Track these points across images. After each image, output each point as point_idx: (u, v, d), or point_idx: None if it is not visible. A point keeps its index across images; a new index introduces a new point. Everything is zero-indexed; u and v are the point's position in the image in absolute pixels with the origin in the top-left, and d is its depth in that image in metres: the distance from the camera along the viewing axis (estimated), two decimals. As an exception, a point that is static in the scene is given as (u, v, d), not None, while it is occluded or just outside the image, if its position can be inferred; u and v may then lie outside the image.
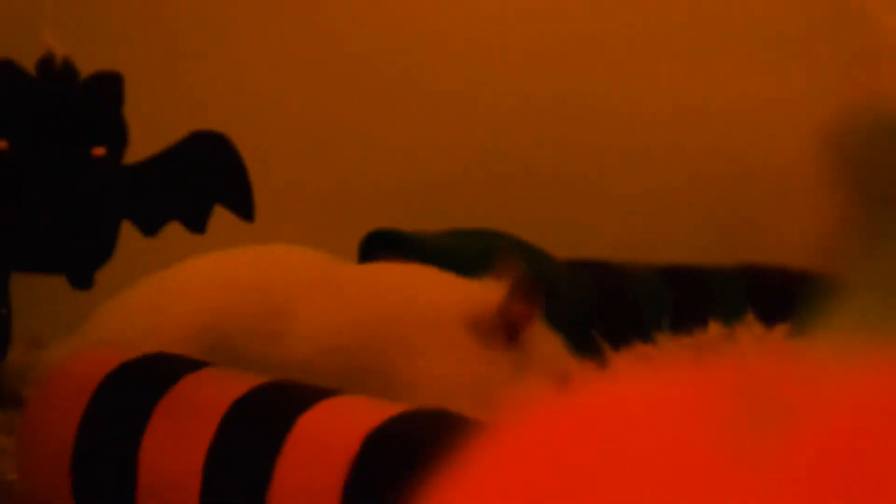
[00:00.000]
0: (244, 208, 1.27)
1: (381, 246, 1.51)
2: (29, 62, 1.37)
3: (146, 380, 1.07)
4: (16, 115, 1.32)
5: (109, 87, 1.35)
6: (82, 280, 1.31)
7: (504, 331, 1.15)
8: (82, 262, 1.32)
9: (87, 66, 1.39)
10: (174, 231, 1.33)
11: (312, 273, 1.17)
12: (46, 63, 1.35)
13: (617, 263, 1.62)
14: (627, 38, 1.76)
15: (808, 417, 0.37)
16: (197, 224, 1.26)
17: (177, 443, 1.03)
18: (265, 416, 1.03)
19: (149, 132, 1.37)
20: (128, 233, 1.36)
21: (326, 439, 0.99)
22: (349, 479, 0.95)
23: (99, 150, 1.31)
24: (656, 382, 0.40)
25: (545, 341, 1.18)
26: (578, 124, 1.78)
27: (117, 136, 1.33)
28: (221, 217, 1.33)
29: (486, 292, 1.18)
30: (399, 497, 0.83)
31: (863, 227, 0.47)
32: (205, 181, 1.26)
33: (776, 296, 1.61)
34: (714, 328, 1.61)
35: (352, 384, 1.08)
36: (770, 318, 1.61)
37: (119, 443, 1.05)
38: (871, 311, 0.43)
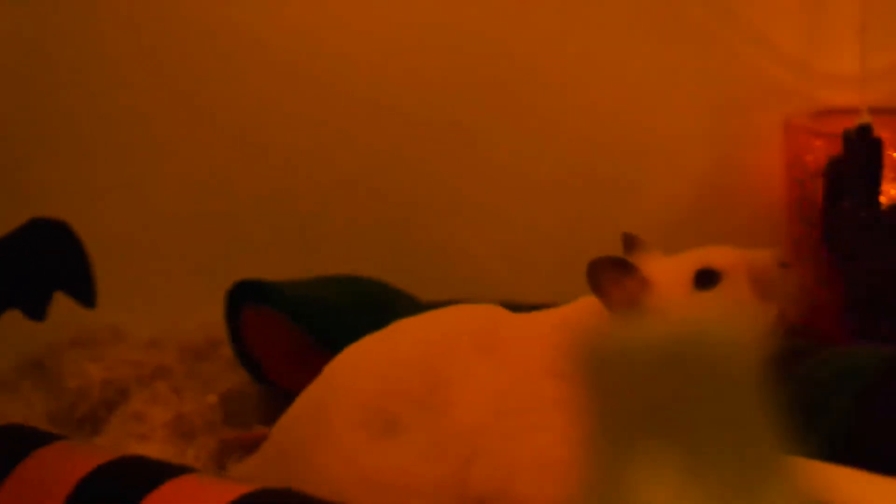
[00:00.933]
0: (85, 295, 1.27)
1: (246, 296, 1.52)
2: None
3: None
4: None
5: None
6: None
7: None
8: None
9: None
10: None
11: (471, 336, 1.12)
12: None
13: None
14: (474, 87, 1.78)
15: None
16: (36, 312, 1.25)
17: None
18: (110, 497, 1.04)
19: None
20: None
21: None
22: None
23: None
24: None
25: (668, 288, 1.12)
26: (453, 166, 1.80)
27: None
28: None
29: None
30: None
31: (598, 453, 0.50)
32: (44, 269, 1.25)
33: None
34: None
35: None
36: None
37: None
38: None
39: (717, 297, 1.12)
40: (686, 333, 0.57)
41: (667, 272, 1.11)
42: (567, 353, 0.99)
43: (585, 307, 1.11)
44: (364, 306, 1.50)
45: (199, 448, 1.45)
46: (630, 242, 1.16)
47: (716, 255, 1.13)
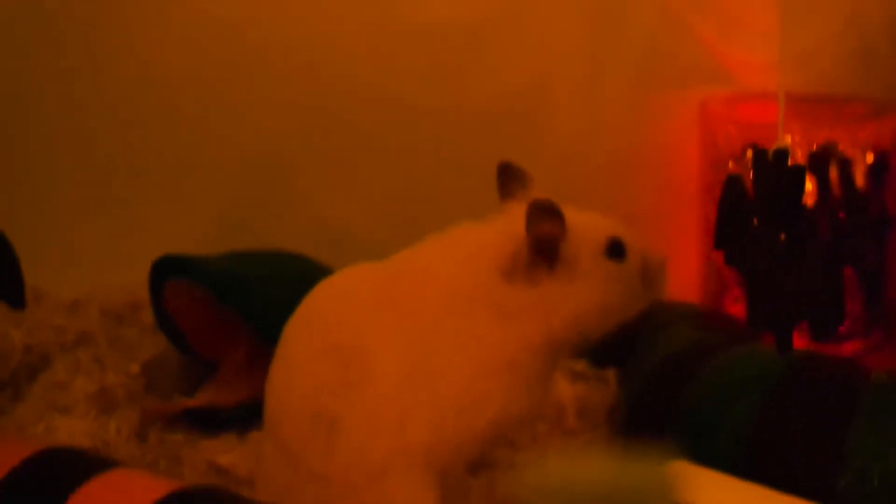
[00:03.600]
0: (15, 298, 1.28)
1: (169, 270, 1.54)
2: None
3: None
4: None
5: None
6: None
7: (543, 256, 1.09)
8: None
9: None
10: None
11: (374, 303, 1.11)
12: None
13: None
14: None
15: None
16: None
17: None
18: (36, 491, 1.05)
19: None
20: None
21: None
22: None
23: None
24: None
25: (581, 244, 1.11)
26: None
27: None
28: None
29: (501, 233, 1.11)
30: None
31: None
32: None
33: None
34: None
35: None
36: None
37: None
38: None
39: (622, 272, 1.15)
40: (619, 478, 0.60)
41: (580, 228, 1.12)
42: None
43: (479, 250, 1.11)
44: (286, 280, 1.52)
45: (122, 420, 1.47)
46: (509, 173, 1.16)
47: (623, 230, 1.15)
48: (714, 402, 1.25)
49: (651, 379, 1.33)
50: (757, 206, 1.21)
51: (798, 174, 1.13)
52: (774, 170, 1.13)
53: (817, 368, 1.23)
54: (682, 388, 1.29)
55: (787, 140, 1.67)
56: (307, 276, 1.29)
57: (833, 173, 1.65)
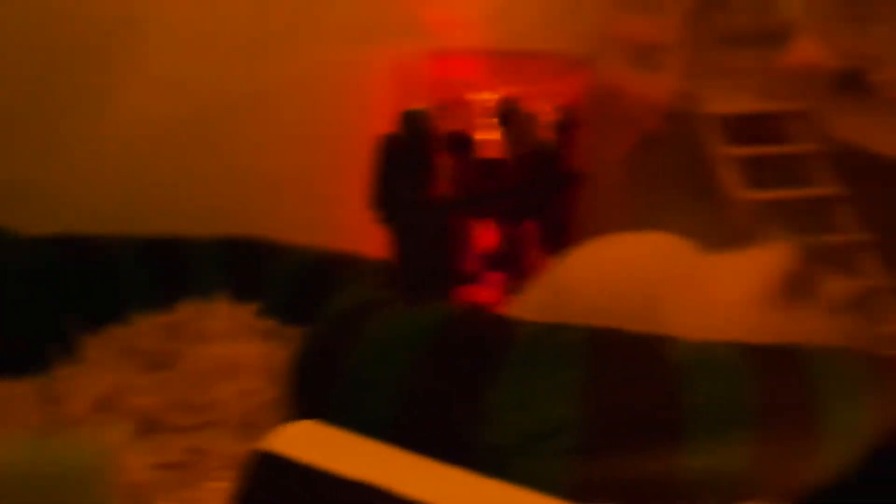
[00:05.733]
0: None
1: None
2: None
3: None
4: None
5: None
6: None
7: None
8: None
9: None
10: None
11: (676, 266, 1.43)
12: None
13: (94, 237, 1.64)
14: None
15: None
16: None
17: None
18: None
19: None
20: None
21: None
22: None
23: None
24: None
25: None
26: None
27: None
28: None
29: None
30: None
31: None
32: None
33: (256, 268, 1.69)
34: (187, 306, 1.67)
35: None
36: (249, 289, 1.68)
37: None
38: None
39: None
40: (42, 459, 0.60)
41: None
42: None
43: (773, 254, 1.43)
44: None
45: None
46: None
47: None
48: (373, 359, 1.27)
49: (318, 336, 1.34)
50: (401, 168, 1.22)
51: (427, 135, 1.14)
52: (409, 131, 1.14)
53: (470, 324, 1.25)
54: (346, 345, 1.30)
55: (485, 96, 1.69)
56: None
57: (521, 128, 1.68)
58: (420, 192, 1.15)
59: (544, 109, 1.64)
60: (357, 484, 0.97)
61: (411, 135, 1.13)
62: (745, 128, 1.70)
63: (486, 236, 1.70)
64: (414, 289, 1.19)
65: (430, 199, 1.14)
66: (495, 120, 1.63)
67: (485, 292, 1.74)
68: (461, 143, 1.63)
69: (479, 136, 1.62)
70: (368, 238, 1.44)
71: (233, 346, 1.47)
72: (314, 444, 0.95)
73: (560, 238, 1.70)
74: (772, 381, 1.26)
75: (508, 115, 1.59)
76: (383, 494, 0.97)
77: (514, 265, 1.68)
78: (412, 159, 1.13)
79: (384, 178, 1.17)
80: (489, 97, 1.64)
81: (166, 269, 1.69)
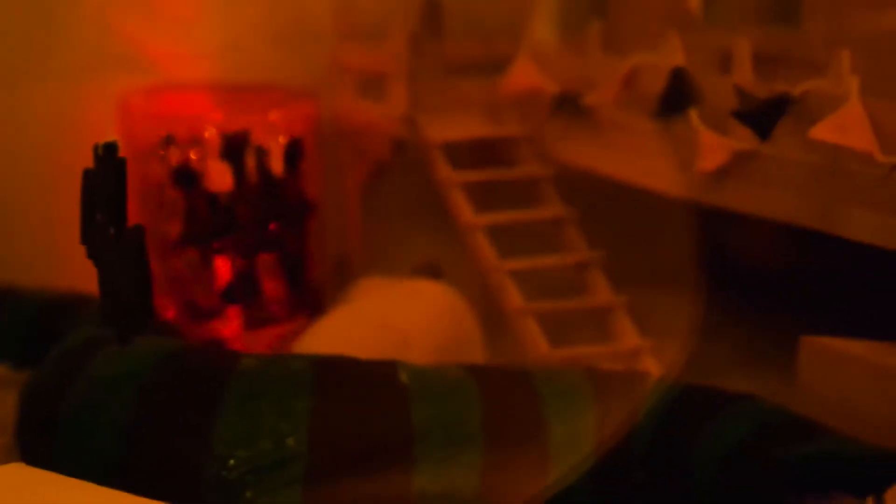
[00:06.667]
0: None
1: None
2: None
3: None
4: None
5: None
6: None
7: None
8: None
9: None
10: None
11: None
12: None
13: None
14: None
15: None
16: None
17: None
18: None
19: None
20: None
21: None
22: None
23: None
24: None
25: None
26: None
27: None
28: None
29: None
30: None
31: None
32: None
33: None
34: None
35: None
36: None
37: None
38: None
39: None
40: None
41: None
42: None
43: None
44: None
45: None
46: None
47: None
48: (95, 399, 1.24)
49: (40, 378, 1.31)
50: (98, 201, 1.21)
51: (120, 166, 1.14)
52: (104, 163, 1.13)
53: (188, 359, 1.24)
54: (68, 386, 1.27)
55: (213, 130, 1.69)
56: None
57: (250, 161, 1.68)
58: (115, 226, 1.14)
59: (273, 142, 1.65)
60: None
61: (102, 167, 1.12)
62: (476, 154, 1.74)
63: (223, 271, 1.70)
64: (115, 324, 1.18)
65: (126, 232, 1.13)
66: (223, 153, 1.63)
67: (226, 327, 1.74)
68: (188, 177, 1.62)
69: (208, 169, 1.62)
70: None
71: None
72: (13, 488, 0.93)
73: (297, 268, 1.71)
74: (497, 400, 1.29)
75: (236, 148, 1.60)
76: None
77: (250, 298, 1.68)
78: (105, 192, 1.12)
79: (84, 213, 1.16)
80: (217, 131, 1.64)
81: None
